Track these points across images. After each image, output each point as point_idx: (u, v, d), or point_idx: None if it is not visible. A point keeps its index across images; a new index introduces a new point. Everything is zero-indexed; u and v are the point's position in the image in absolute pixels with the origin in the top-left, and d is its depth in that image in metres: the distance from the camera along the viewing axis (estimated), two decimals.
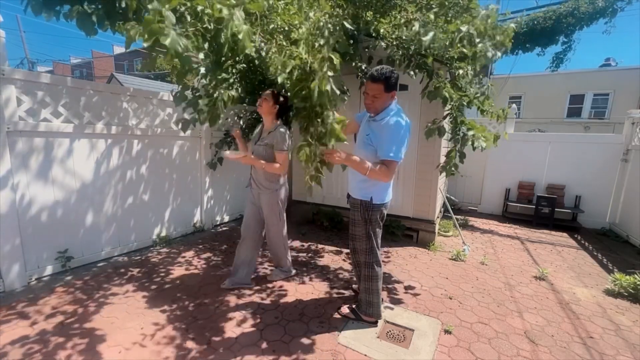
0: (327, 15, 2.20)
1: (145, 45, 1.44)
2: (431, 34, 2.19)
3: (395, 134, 2.03)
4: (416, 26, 2.23)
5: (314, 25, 2.05)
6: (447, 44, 2.31)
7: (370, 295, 2.34)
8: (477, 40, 2.30)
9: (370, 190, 2.18)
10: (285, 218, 2.87)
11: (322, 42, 1.99)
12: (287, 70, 1.78)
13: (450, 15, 2.53)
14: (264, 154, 2.57)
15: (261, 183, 2.66)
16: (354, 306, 2.48)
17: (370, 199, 2.18)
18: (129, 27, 1.46)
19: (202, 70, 2.14)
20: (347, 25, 2.43)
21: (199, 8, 1.62)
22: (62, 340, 2.07)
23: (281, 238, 2.87)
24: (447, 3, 2.47)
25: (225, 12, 1.61)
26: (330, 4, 2.86)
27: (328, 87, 1.76)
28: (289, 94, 2.16)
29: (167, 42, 1.38)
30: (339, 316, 2.46)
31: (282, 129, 2.55)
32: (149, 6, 1.46)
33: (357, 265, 2.43)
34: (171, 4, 1.53)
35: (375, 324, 2.37)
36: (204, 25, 1.64)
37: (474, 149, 2.69)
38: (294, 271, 3.09)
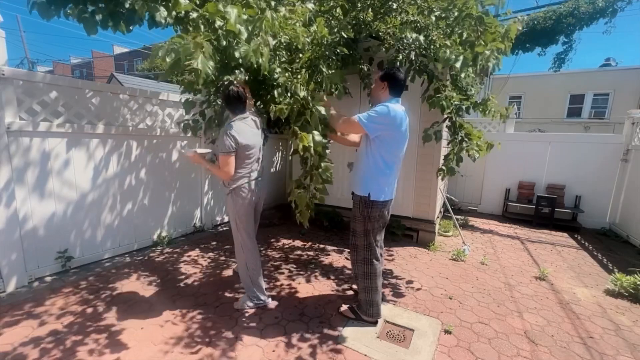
0: (325, 38, 2.39)
1: (168, 63, 1.54)
2: (461, 58, 2.24)
3: (374, 110, 2.16)
4: (447, 53, 2.28)
5: (315, 40, 2.18)
6: (470, 63, 2.34)
7: (369, 294, 2.35)
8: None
9: (369, 186, 2.24)
10: (248, 232, 2.41)
11: (323, 68, 2.31)
12: (286, 112, 2.08)
13: (452, 19, 2.52)
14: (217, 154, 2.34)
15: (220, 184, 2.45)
16: (354, 305, 2.49)
17: (368, 195, 2.23)
18: (156, 48, 1.58)
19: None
20: (345, 35, 2.57)
21: (218, 24, 1.71)
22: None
23: (241, 254, 2.45)
24: (458, 11, 2.46)
25: (244, 33, 1.72)
26: (331, 3, 2.86)
27: (318, 138, 2.04)
28: (234, 87, 2.27)
29: (197, 65, 1.53)
30: (339, 316, 2.46)
31: (227, 129, 2.21)
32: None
33: (355, 263, 2.44)
34: (179, 8, 1.61)
35: (375, 323, 2.38)
36: (216, 36, 1.70)
37: (469, 157, 2.74)
38: (267, 300, 2.55)
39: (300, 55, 2.33)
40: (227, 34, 1.68)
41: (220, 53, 1.84)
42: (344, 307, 2.51)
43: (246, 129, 2.29)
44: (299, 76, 2.18)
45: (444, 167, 2.89)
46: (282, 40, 2.21)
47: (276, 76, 2.19)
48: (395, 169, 2.28)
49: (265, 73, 2.10)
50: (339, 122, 2.28)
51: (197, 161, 2.31)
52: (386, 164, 2.21)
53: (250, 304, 2.51)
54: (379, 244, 2.38)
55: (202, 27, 1.78)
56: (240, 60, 1.81)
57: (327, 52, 2.46)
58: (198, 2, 1.89)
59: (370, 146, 2.21)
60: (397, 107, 2.17)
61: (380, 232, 2.37)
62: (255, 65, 1.91)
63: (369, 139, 2.21)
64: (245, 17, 1.76)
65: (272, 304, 2.57)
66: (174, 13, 1.89)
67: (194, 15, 1.78)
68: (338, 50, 2.57)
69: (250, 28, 1.73)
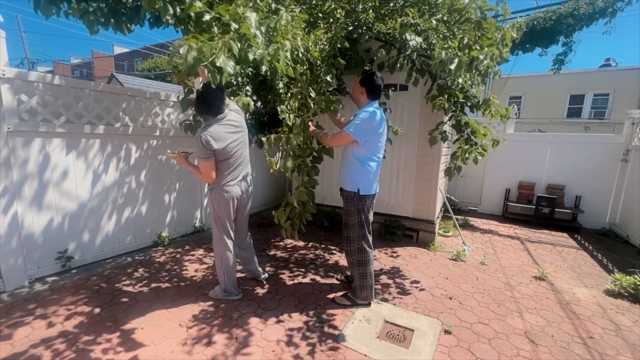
0: (324, 39, 2.51)
1: (189, 62, 1.53)
2: (456, 60, 2.26)
3: (358, 118, 2.37)
4: (442, 54, 2.32)
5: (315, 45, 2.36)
6: (465, 67, 2.36)
7: (364, 279, 2.54)
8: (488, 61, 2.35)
9: (357, 182, 2.42)
10: (225, 229, 2.45)
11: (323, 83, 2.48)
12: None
13: (453, 22, 2.52)
14: None
15: None
16: (348, 293, 2.65)
17: (357, 190, 2.41)
18: (177, 45, 1.58)
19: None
20: (341, 46, 2.73)
21: (233, 27, 1.74)
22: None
23: (217, 247, 2.49)
24: (456, 16, 2.47)
25: (259, 36, 1.74)
26: (332, 5, 2.86)
27: (289, 164, 2.19)
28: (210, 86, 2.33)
29: (218, 63, 1.56)
30: (339, 315, 2.46)
31: (201, 134, 2.16)
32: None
33: (350, 254, 2.59)
34: (192, 10, 1.64)
35: (368, 305, 2.59)
36: (230, 37, 1.73)
37: (473, 161, 2.77)
38: (238, 295, 2.64)
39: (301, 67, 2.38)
40: (240, 36, 1.69)
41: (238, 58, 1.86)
42: (339, 295, 2.69)
43: (223, 132, 2.21)
44: (289, 105, 2.34)
45: (451, 166, 2.89)
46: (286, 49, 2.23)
47: (280, 90, 2.36)
48: (378, 162, 2.48)
49: (267, 75, 2.15)
50: (329, 139, 2.46)
51: (180, 162, 2.37)
52: (370, 159, 2.43)
53: (220, 295, 2.63)
54: (370, 232, 2.57)
55: (215, 29, 1.78)
56: (254, 63, 1.83)
57: (320, 72, 2.57)
58: (207, 3, 1.90)
59: (356, 146, 2.40)
60: (376, 109, 2.38)
61: (370, 220, 2.55)
62: (268, 68, 1.94)
63: (354, 141, 2.38)
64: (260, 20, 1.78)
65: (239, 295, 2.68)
66: (178, 11, 1.89)
67: (207, 17, 1.78)
68: (335, 62, 2.66)
69: (263, 29, 1.75)
